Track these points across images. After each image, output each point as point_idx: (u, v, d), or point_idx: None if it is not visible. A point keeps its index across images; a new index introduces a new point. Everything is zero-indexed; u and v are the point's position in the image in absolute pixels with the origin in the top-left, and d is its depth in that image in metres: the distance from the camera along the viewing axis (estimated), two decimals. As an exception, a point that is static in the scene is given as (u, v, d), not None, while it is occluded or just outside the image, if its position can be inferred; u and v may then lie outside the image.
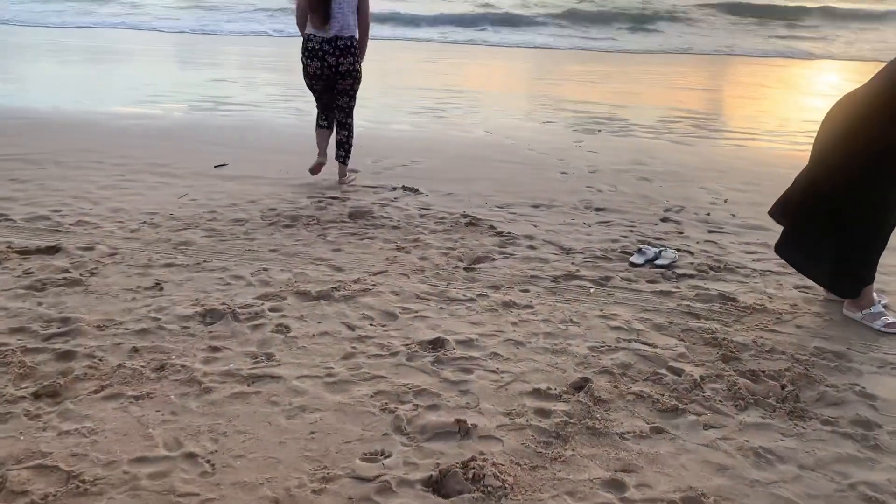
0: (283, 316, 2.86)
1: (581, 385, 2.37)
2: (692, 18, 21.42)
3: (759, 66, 14.36)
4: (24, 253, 3.46)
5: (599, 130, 7.44)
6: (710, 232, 4.16)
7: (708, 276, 3.43)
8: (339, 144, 5.05)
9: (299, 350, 2.59)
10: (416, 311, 2.95)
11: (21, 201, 4.35)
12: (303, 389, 2.32)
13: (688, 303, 3.11)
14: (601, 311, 3.01)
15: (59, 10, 21.32)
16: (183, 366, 2.44)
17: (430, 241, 3.84)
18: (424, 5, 21.15)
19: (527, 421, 2.17)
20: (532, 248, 3.80)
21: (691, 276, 3.43)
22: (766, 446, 2.08)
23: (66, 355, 2.48)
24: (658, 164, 5.91)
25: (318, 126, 5.15)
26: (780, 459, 2.03)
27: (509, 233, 4.01)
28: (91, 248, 3.55)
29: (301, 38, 4.82)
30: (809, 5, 22.01)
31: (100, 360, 2.45)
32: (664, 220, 4.39)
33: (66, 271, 3.23)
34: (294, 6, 4.90)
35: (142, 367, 2.42)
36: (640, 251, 3.70)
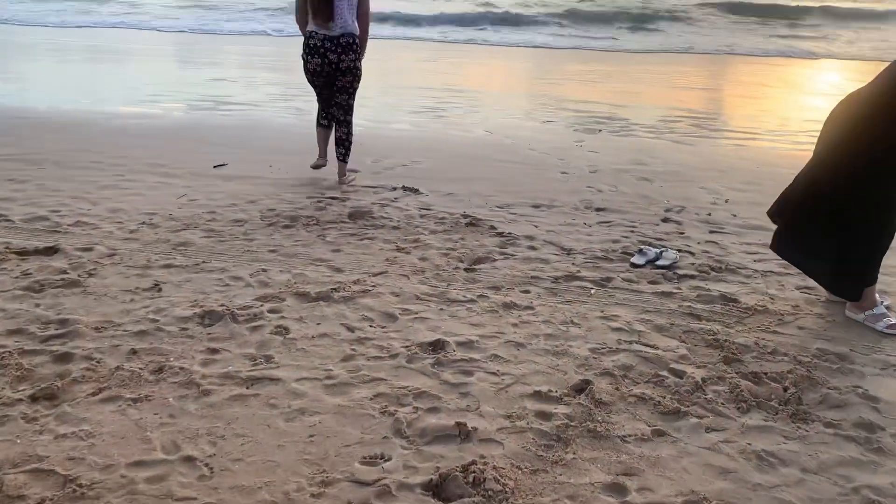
0: (283, 317, 2.85)
1: (582, 387, 2.36)
2: (693, 18, 21.39)
3: (760, 65, 14.34)
4: (23, 254, 3.45)
5: (600, 130, 7.43)
6: (711, 232, 4.14)
7: (709, 277, 3.42)
8: (338, 142, 5.05)
9: (298, 352, 2.58)
10: (416, 313, 2.93)
11: (20, 201, 4.33)
12: (302, 392, 2.31)
13: (689, 304, 3.10)
14: (602, 312, 2.99)
15: (59, 10, 21.30)
16: (181, 368, 2.42)
17: (431, 241, 3.83)
18: (424, 4, 21.13)
19: (527, 424, 2.15)
20: (532, 248, 3.78)
21: (692, 277, 3.41)
22: (769, 449, 2.06)
23: (64, 357, 2.46)
24: (659, 163, 5.89)
25: (319, 124, 5.20)
26: (782, 463, 2.01)
27: (510, 233, 4.00)
28: (90, 249, 3.53)
29: (301, 36, 4.84)
30: (810, 4, 21.98)
31: (98, 362, 2.44)
32: (665, 220, 4.38)
33: (65, 272, 3.22)
34: (294, 4, 4.91)
35: (140, 369, 2.41)
36: (640, 252, 3.68)
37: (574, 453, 2.03)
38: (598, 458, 2.02)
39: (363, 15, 4.77)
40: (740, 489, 1.90)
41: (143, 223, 4.00)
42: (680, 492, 1.88)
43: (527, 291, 3.20)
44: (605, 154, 6.22)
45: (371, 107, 8.18)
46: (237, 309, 2.87)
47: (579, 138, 6.94)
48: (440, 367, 2.49)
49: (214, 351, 2.56)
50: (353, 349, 2.61)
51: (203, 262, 3.44)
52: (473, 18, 20.58)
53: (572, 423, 2.16)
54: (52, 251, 3.49)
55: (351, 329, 2.77)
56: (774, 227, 3.21)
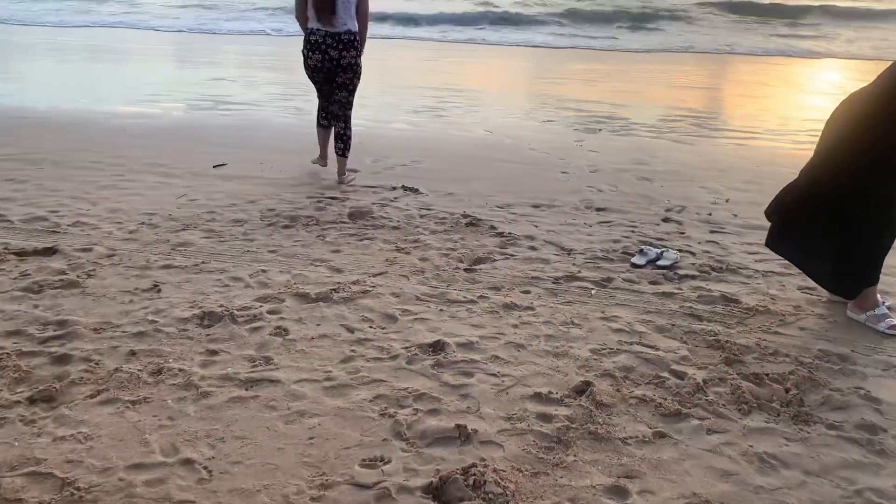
0: (282, 318, 2.84)
1: (583, 389, 2.35)
2: (693, 17, 21.38)
3: (760, 64, 14.33)
4: (22, 254, 3.44)
5: (600, 129, 7.41)
6: (712, 232, 4.13)
7: (710, 278, 3.41)
8: (337, 137, 5.07)
9: (298, 353, 2.57)
10: (416, 314, 2.92)
11: (19, 202, 4.32)
12: (301, 394, 2.30)
13: (690, 304, 3.09)
14: (602, 312, 2.98)
15: (58, 9, 21.28)
16: (180, 369, 2.41)
17: (430, 241, 3.82)
18: (424, 4, 21.11)
19: (528, 426, 2.14)
20: (533, 248, 3.77)
21: (693, 277, 3.40)
22: (771, 451, 2.05)
23: (62, 359, 2.45)
24: (659, 163, 5.88)
25: (319, 125, 5.26)
26: (784, 465, 2.00)
27: (510, 233, 3.99)
28: (89, 250, 3.52)
29: (301, 33, 4.87)
30: (810, 3, 21.97)
31: (96, 363, 2.43)
32: (665, 220, 4.36)
33: (64, 273, 3.21)
34: (294, 2, 4.92)
35: (139, 370, 2.39)
36: (641, 252, 3.67)
37: (575, 455, 2.02)
38: (599, 460, 2.01)
39: (362, 15, 4.79)
40: (742, 492, 1.89)
41: (143, 223, 3.99)
42: (681, 494, 1.87)
43: (527, 292, 3.19)
44: (606, 153, 6.20)
45: (371, 106, 8.17)
46: (236, 310, 2.86)
47: (579, 138, 6.92)
48: (440, 368, 2.48)
49: (213, 352, 2.55)
50: (352, 350, 2.60)
51: (202, 262, 3.42)
52: (473, 18, 20.57)
53: (573, 425, 2.15)
54: (50, 252, 3.48)
55: (351, 330, 2.76)
56: None
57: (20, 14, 20.22)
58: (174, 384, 2.32)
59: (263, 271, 3.32)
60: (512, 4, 22.43)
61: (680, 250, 3.75)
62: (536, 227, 4.15)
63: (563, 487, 1.88)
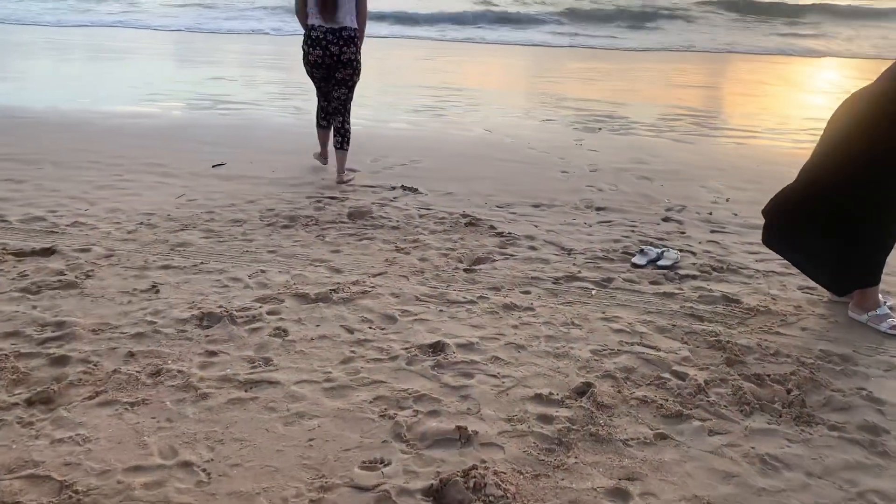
0: (282, 319, 2.83)
1: (583, 390, 2.34)
2: (692, 16, 21.37)
3: (760, 63, 14.32)
4: (20, 255, 3.42)
5: (600, 129, 7.40)
6: (713, 232, 4.12)
7: (711, 278, 3.40)
8: (335, 130, 5.08)
9: (297, 354, 2.56)
10: (416, 314, 2.91)
11: (17, 202, 4.30)
12: (301, 395, 2.29)
13: (691, 304, 3.07)
14: (603, 313, 2.97)
15: (57, 8, 21.25)
16: (179, 371, 2.40)
17: (430, 241, 3.80)
18: (423, 2, 21.09)
19: (528, 427, 2.13)
20: (533, 248, 3.76)
21: (694, 277, 3.39)
22: (773, 453, 2.04)
23: (61, 360, 2.44)
24: (659, 162, 5.87)
25: (318, 125, 5.30)
26: (786, 467, 1.99)
27: (510, 233, 3.97)
28: (87, 250, 3.50)
29: (301, 30, 4.92)
30: (810, 2, 21.97)
31: (94, 365, 2.41)
32: (666, 219, 4.35)
33: (62, 273, 3.19)
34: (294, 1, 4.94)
35: (137, 372, 2.38)
36: (642, 252, 3.66)
37: (576, 457, 2.00)
38: (601, 462, 1.99)
39: (360, 15, 4.84)
40: (744, 494, 1.88)
41: (141, 223, 3.98)
42: (683, 497, 1.86)
43: (527, 292, 3.17)
44: (606, 153, 6.19)
45: (370, 106, 8.16)
46: (236, 310, 2.85)
47: (579, 137, 6.92)
48: (440, 369, 2.47)
49: (213, 353, 2.54)
50: (352, 351, 2.59)
51: (201, 263, 3.41)
52: (472, 17, 20.55)
53: (574, 427, 2.13)
54: (49, 252, 3.46)
55: (350, 331, 2.75)
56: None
57: (19, 13, 20.19)
58: (173, 386, 2.31)
59: (263, 272, 3.31)
60: (511, 3, 22.41)
61: (680, 250, 3.74)
62: (536, 226, 4.13)
63: (565, 490, 1.87)
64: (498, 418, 2.18)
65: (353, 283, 3.18)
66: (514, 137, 6.78)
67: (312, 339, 2.67)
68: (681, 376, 2.45)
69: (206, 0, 22.82)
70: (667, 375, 2.46)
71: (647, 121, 7.88)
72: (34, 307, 2.86)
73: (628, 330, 2.81)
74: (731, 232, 4.12)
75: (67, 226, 3.90)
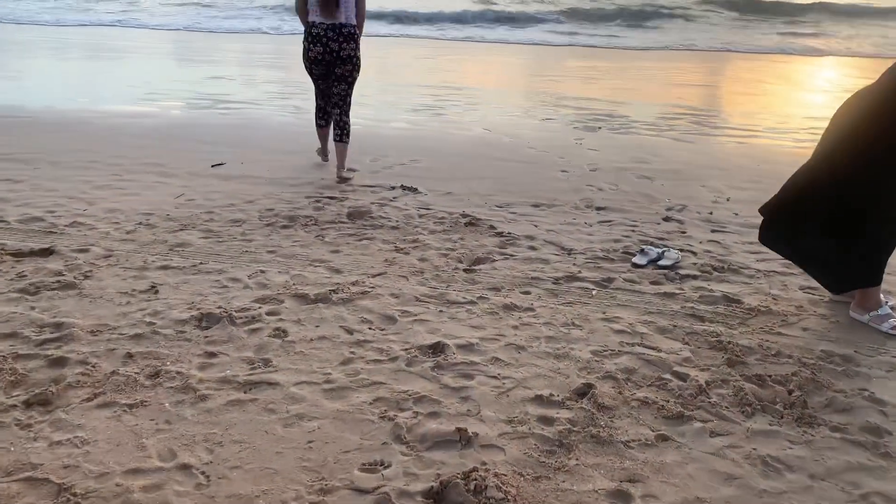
0: (281, 320, 2.81)
1: (584, 391, 2.33)
2: (692, 14, 21.36)
3: (760, 62, 14.31)
4: (18, 255, 3.41)
5: (600, 128, 7.39)
6: (713, 231, 4.11)
7: (712, 277, 3.39)
8: (335, 123, 5.11)
9: (297, 355, 2.54)
10: (416, 315, 2.90)
11: (15, 202, 4.29)
12: (300, 396, 2.27)
13: (692, 305, 3.06)
14: (604, 313, 2.96)
15: (56, 8, 21.22)
16: (178, 372, 2.38)
17: (430, 241, 3.79)
18: (422, 1, 21.07)
19: (529, 429, 2.12)
20: (533, 248, 3.74)
21: (695, 277, 3.38)
22: (775, 454, 2.03)
23: (59, 362, 2.43)
24: (659, 161, 5.86)
25: (318, 125, 5.35)
26: (788, 468, 1.98)
27: (509, 233, 3.96)
28: (86, 251, 3.49)
29: (300, 28, 4.97)
30: (810, 1, 21.96)
31: (93, 366, 2.40)
32: (666, 219, 4.34)
33: (60, 274, 3.18)
34: None
35: (136, 373, 2.37)
36: (642, 251, 3.65)
37: (577, 459, 1.99)
38: (602, 464, 1.98)
39: (359, 13, 4.90)
40: (746, 496, 1.87)
41: (140, 224, 3.97)
42: (685, 499, 1.85)
43: (527, 293, 3.16)
44: (606, 152, 6.18)
45: (369, 105, 8.14)
46: (235, 311, 2.84)
47: (579, 136, 6.90)
48: (440, 370, 2.46)
49: (212, 354, 2.53)
50: (352, 352, 2.58)
51: (200, 263, 3.40)
52: (472, 16, 20.53)
53: (575, 429, 2.12)
54: (47, 252, 3.45)
55: (350, 331, 2.74)
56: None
57: (17, 12, 20.15)
58: (172, 387, 2.30)
59: (262, 272, 3.29)
60: (510, 2, 22.39)
61: (681, 250, 3.73)
62: (536, 226, 4.12)
63: (566, 492, 1.86)
64: (498, 420, 2.17)
65: (353, 284, 3.17)
66: (513, 137, 6.77)
67: (312, 339, 2.66)
68: (682, 377, 2.44)
69: (205, -1, 22.80)
70: (668, 376, 2.44)
71: (647, 120, 7.86)
72: (32, 308, 2.85)
73: (629, 330, 2.80)
74: (731, 231, 4.10)
75: (66, 226, 3.88)
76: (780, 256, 3.29)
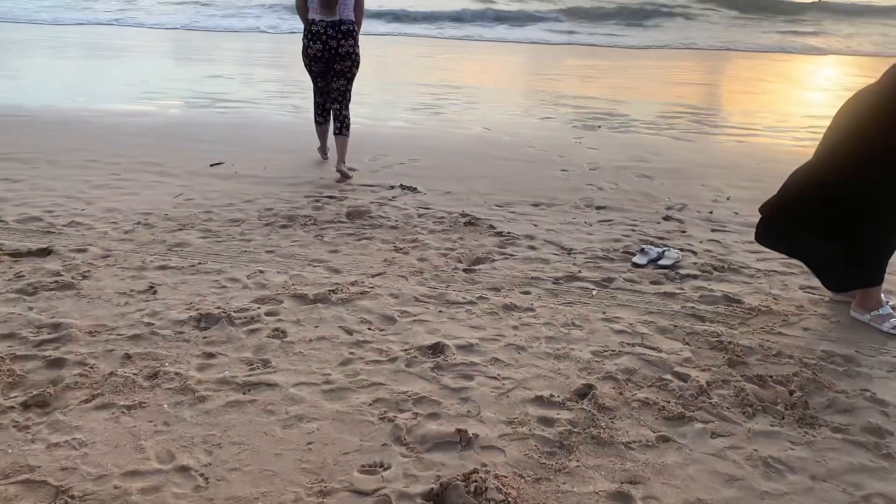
0: (280, 320, 2.80)
1: (585, 392, 2.32)
2: (692, 13, 21.35)
3: (760, 60, 14.30)
4: (16, 255, 3.39)
5: (599, 127, 7.38)
6: (713, 231, 4.10)
7: (712, 277, 3.38)
8: (335, 117, 5.14)
9: (296, 356, 2.53)
10: (415, 315, 2.88)
11: (13, 202, 4.27)
12: (300, 397, 2.26)
13: (692, 305, 3.05)
14: (604, 313, 2.95)
15: (53, 6, 21.17)
16: (177, 373, 2.37)
17: (429, 241, 3.78)
18: (421, 0, 21.04)
19: (529, 430, 2.11)
20: (532, 248, 3.73)
21: (695, 277, 3.37)
22: (776, 456, 2.02)
23: (57, 363, 2.42)
24: (659, 160, 5.85)
25: (316, 123, 5.38)
26: (790, 469, 1.97)
27: (509, 232, 3.95)
28: (84, 251, 3.48)
29: (300, 27, 5.05)
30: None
31: (91, 367, 2.39)
32: (666, 218, 4.33)
33: (58, 274, 3.17)
34: None
35: (134, 374, 2.36)
36: (642, 251, 3.64)
37: (577, 461, 1.98)
38: (602, 465, 1.97)
39: (358, 10, 4.94)
40: (748, 497, 1.86)
41: (139, 223, 3.95)
42: (686, 500, 1.84)
43: (527, 293, 3.15)
44: (605, 151, 6.17)
45: (368, 104, 8.13)
46: (234, 312, 2.83)
47: (579, 135, 6.89)
48: (440, 371, 2.45)
49: (210, 355, 2.51)
50: (351, 353, 2.57)
51: (199, 263, 3.39)
52: (471, 14, 20.51)
53: (575, 430, 2.11)
54: (45, 252, 3.44)
55: (349, 332, 2.73)
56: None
57: (15, 11, 20.11)
58: (170, 388, 2.29)
59: (261, 272, 3.28)
60: (510, 1, 22.36)
61: (681, 249, 3.72)
62: (536, 226, 4.11)
63: (566, 493, 1.85)
64: (498, 421, 2.16)
65: (352, 284, 3.15)
66: (513, 136, 6.76)
67: (311, 340, 2.65)
68: (683, 378, 2.43)
69: (204, -2, 22.75)
70: (668, 377, 2.44)
71: (646, 118, 7.85)
72: (30, 308, 2.83)
73: (629, 331, 2.79)
74: (732, 231, 4.10)
75: (64, 226, 3.87)
76: (780, 256, 3.29)
